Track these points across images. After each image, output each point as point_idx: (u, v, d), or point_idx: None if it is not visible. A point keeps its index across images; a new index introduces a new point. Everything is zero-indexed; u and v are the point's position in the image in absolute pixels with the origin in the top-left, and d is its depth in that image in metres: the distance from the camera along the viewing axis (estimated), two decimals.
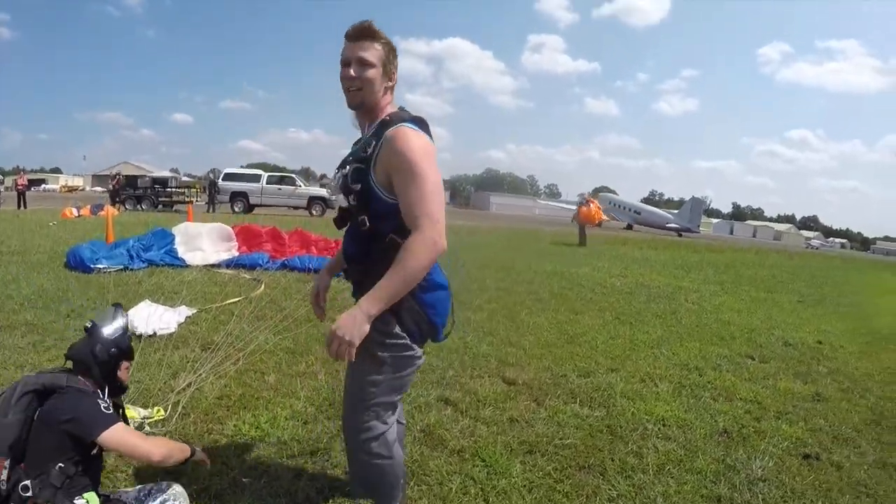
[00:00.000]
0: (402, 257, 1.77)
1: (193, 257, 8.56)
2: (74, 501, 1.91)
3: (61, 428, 1.91)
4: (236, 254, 8.82)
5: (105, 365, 2.12)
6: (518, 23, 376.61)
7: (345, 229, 2.11)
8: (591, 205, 21.19)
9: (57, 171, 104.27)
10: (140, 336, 4.57)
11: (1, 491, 1.87)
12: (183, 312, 5.40)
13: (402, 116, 1.96)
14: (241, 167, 32.91)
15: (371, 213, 1.92)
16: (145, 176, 36.95)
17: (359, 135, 2.10)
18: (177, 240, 8.82)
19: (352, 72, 1.95)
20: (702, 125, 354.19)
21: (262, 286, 6.93)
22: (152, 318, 4.95)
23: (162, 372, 3.77)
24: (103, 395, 2.06)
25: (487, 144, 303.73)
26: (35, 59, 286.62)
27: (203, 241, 8.95)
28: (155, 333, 4.73)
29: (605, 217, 25.20)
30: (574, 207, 28.17)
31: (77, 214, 20.23)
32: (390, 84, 2.03)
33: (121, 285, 6.76)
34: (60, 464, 1.90)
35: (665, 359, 5.36)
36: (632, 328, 6.50)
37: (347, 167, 1.99)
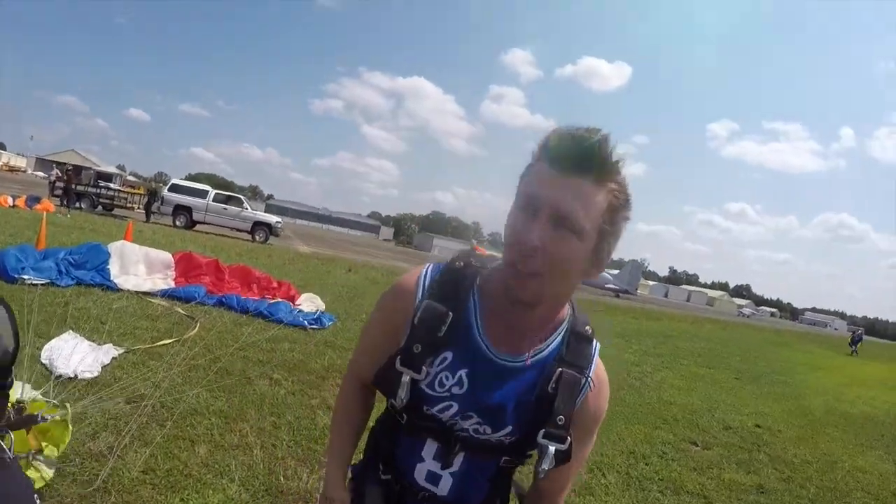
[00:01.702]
0: None
1: (126, 281, 7.94)
2: None
3: None
4: (172, 284, 8.27)
5: None
6: (483, 72, 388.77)
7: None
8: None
9: (0, 146, 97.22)
10: (59, 377, 4.12)
11: None
12: (109, 352, 4.93)
13: (593, 330, 1.24)
14: (188, 175, 31.72)
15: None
16: (90, 169, 34.85)
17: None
18: (111, 259, 8.22)
19: (536, 237, 0.97)
20: (646, 190, 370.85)
21: (197, 326, 6.48)
22: (75, 357, 4.50)
23: (81, 430, 3.37)
24: None
25: (436, 186, 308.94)
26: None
27: (139, 268, 8.38)
28: (76, 377, 4.27)
29: None
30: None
31: (11, 204, 19.04)
32: (595, 270, 1.08)
33: (45, 305, 6.13)
34: None
35: (612, 443, 5.30)
36: None
37: (503, 388, 1.15)
